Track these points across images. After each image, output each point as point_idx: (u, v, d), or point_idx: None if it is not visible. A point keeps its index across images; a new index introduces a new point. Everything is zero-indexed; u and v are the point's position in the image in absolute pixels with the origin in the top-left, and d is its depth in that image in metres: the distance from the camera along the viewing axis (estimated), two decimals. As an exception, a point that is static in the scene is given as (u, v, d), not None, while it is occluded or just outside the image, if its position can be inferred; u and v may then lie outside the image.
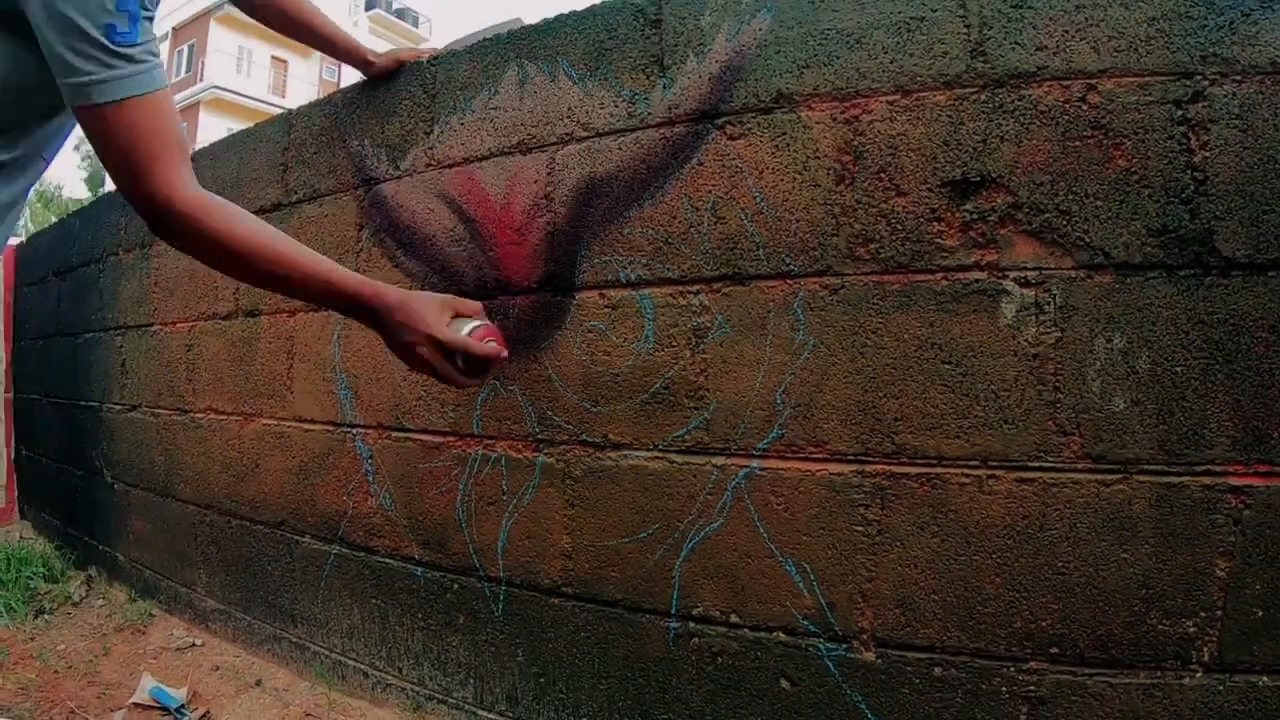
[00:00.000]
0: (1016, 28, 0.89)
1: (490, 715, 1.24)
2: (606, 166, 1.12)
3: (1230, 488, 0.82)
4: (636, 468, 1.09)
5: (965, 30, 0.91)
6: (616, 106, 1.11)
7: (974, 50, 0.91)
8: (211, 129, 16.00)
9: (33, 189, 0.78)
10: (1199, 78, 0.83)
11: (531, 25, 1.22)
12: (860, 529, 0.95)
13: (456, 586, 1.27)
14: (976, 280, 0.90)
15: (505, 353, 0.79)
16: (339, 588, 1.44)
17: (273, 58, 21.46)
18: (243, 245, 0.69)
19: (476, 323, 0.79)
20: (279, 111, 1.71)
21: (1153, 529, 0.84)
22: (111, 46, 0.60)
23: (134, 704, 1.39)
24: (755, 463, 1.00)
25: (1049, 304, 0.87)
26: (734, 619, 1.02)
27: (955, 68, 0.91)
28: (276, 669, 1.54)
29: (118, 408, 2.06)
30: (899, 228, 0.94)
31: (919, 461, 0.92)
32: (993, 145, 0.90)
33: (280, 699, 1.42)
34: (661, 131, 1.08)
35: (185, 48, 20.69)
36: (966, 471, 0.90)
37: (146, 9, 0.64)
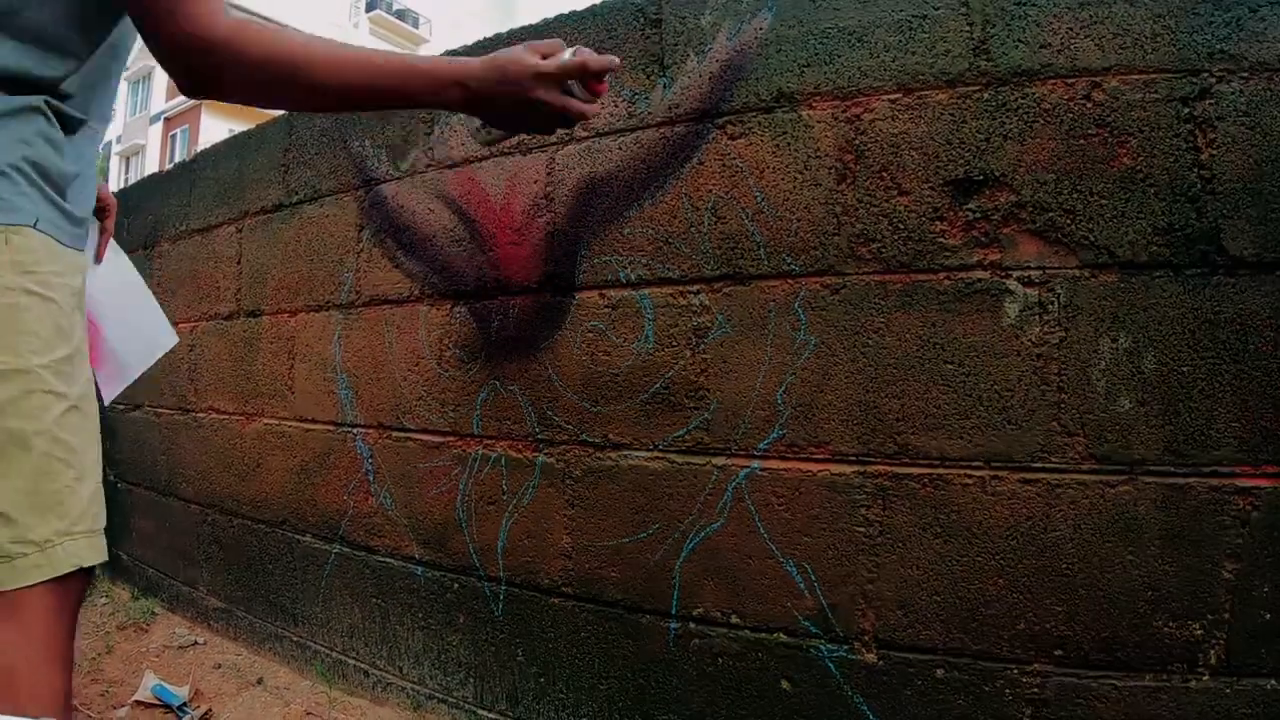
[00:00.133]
0: (1020, 26, 0.88)
1: (490, 715, 1.23)
2: (606, 166, 1.11)
3: (1238, 489, 0.81)
4: (637, 468, 1.08)
5: (968, 28, 0.90)
6: (616, 106, 1.11)
7: (977, 48, 0.90)
8: (213, 130, 16.08)
9: None
10: (1206, 75, 0.82)
11: (531, 25, 1.22)
12: (862, 530, 0.94)
13: (457, 586, 1.27)
14: (979, 280, 0.89)
15: (617, 59, 0.67)
16: (339, 587, 1.44)
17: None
18: (306, 55, 0.59)
19: (571, 49, 0.66)
20: (280, 113, 1.71)
21: (1159, 531, 0.83)
22: None
23: (137, 701, 1.39)
24: (756, 463, 1.00)
25: (1053, 304, 0.86)
26: (734, 620, 1.02)
27: (958, 66, 0.91)
28: (278, 667, 1.54)
29: (120, 407, 2.07)
30: (901, 227, 0.93)
31: (921, 462, 0.91)
32: (996, 144, 0.89)
33: (281, 697, 1.42)
34: (662, 131, 1.07)
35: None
36: (969, 472, 0.89)
37: None
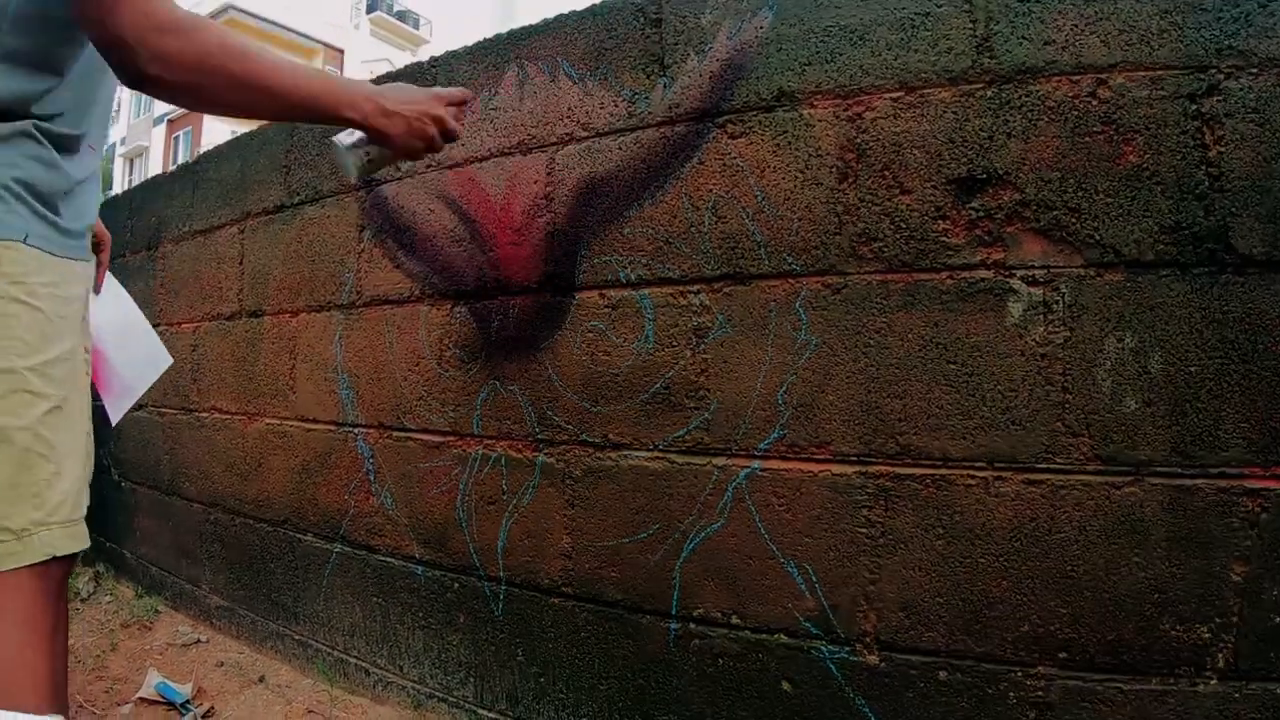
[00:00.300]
0: (1024, 22, 0.87)
1: (491, 714, 1.23)
2: (606, 166, 1.11)
3: (1246, 490, 0.80)
4: (637, 468, 1.08)
5: (971, 26, 0.89)
6: (616, 106, 1.11)
7: (980, 46, 0.89)
8: (216, 132, 16.15)
9: None
10: (1214, 71, 0.81)
11: (531, 25, 1.21)
12: (863, 530, 0.93)
13: (457, 586, 1.27)
14: (983, 279, 0.88)
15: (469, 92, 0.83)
16: (341, 586, 1.45)
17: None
18: (241, 56, 0.59)
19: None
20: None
21: (1166, 532, 0.82)
22: None
23: (140, 699, 1.40)
24: (756, 463, 0.99)
25: (1057, 303, 0.85)
26: (735, 620, 1.01)
27: (961, 64, 0.90)
28: (279, 666, 1.55)
29: (126, 407, 2.08)
30: (903, 226, 0.92)
31: (924, 463, 0.91)
32: (999, 142, 0.88)
33: (283, 695, 1.42)
34: (662, 131, 1.07)
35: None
36: (972, 473, 0.88)
37: None
